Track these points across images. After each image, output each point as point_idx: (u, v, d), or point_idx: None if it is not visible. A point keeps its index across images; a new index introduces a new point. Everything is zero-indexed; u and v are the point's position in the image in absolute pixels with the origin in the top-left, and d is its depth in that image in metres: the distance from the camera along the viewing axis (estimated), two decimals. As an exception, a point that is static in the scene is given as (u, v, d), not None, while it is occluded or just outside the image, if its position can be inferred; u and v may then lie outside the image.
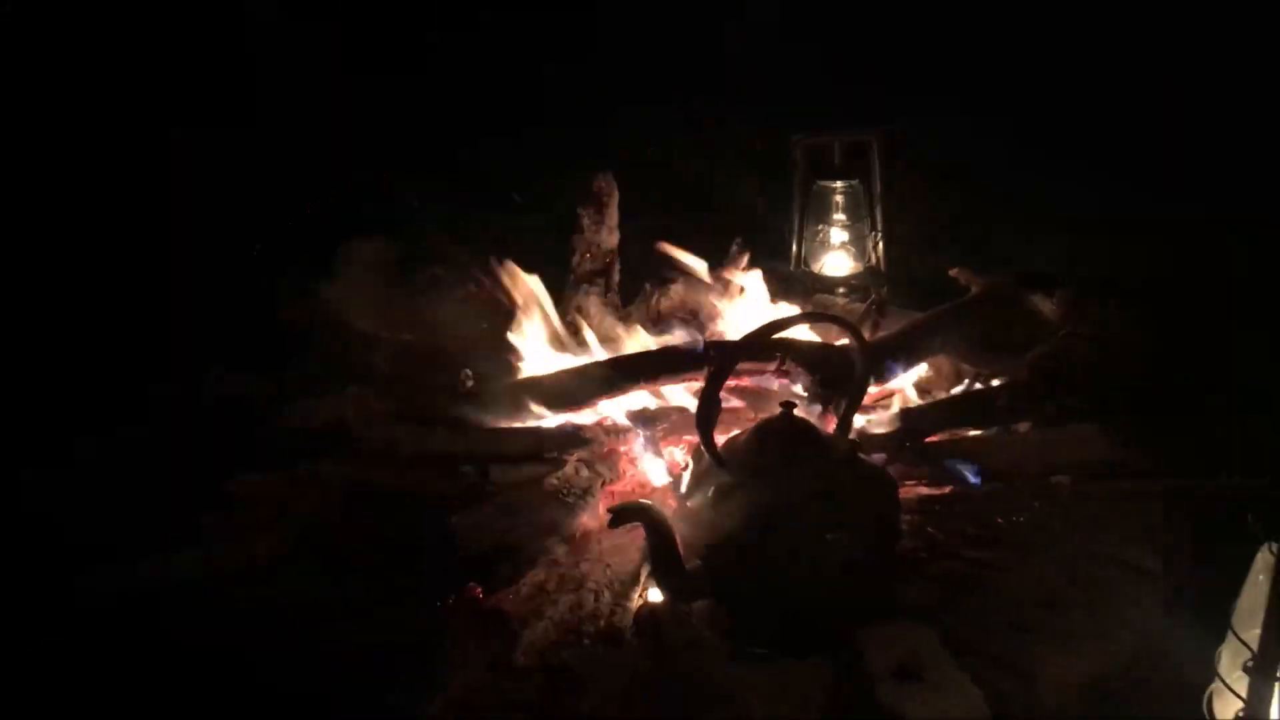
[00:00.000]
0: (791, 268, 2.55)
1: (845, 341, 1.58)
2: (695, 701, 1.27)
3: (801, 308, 2.33)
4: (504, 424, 1.76)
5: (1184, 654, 1.15)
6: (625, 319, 2.12)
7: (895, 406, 1.97)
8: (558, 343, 2.00)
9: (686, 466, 1.54)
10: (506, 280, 2.03)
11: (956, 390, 2.07)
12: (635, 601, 1.52)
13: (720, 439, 1.49)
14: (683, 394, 1.94)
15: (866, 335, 2.17)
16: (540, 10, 3.68)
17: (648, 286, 2.17)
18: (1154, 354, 1.86)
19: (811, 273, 2.55)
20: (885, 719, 1.24)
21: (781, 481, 1.39)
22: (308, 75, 3.35)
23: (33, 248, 2.60)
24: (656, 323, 2.10)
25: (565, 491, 1.62)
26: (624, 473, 1.74)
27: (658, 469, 1.77)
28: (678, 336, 2.03)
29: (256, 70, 3.39)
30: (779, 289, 2.37)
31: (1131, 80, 3.19)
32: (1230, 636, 1.02)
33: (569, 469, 1.66)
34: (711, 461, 1.45)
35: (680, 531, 1.41)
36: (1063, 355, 1.95)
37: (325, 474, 1.62)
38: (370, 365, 1.99)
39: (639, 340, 2.04)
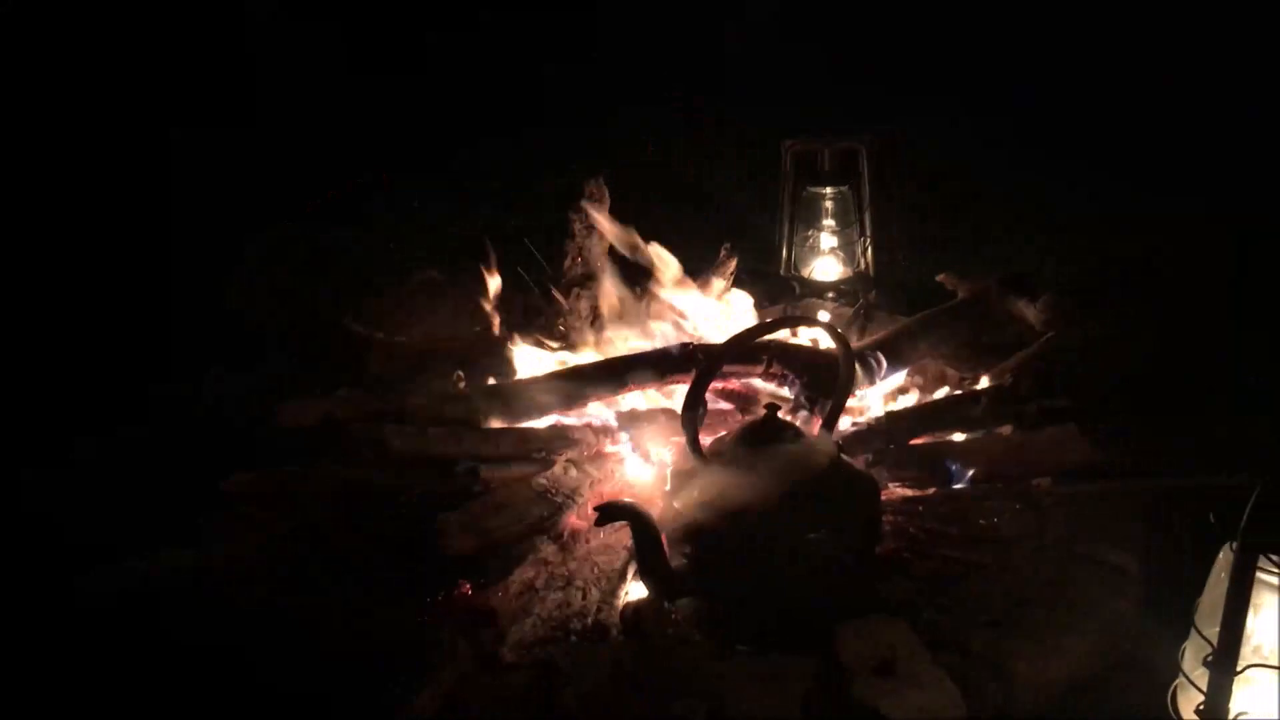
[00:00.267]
0: (781, 272, 2.58)
1: (831, 345, 1.61)
2: (678, 695, 1.29)
3: (789, 313, 2.36)
4: (494, 425, 1.79)
5: (1156, 651, 1.17)
6: (614, 322, 2.15)
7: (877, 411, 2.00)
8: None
9: (673, 467, 1.57)
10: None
11: (941, 394, 2.09)
12: (621, 599, 1.55)
13: (706, 440, 1.52)
14: (670, 396, 1.97)
15: (854, 339, 2.21)
16: (536, 11, 3.71)
17: (637, 290, 2.21)
18: (1134, 357, 1.89)
19: (801, 277, 2.58)
20: (862, 714, 1.27)
21: (765, 482, 1.42)
22: (306, 76, 3.39)
23: (31, 248, 2.63)
24: (645, 326, 2.13)
25: (554, 491, 1.65)
26: (611, 473, 1.77)
27: (644, 469, 1.80)
28: (666, 340, 2.06)
29: (255, 70, 3.42)
30: (766, 293, 2.40)
31: (1123, 81, 3.22)
32: (1193, 633, 1.05)
33: (557, 469, 1.69)
34: (697, 462, 1.48)
35: (666, 530, 1.44)
36: (1045, 359, 1.98)
37: (318, 473, 1.64)
38: (364, 366, 2.02)
39: (628, 343, 2.07)
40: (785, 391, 1.93)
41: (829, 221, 2.56)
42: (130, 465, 1.87)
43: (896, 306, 2.47)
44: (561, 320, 2.11)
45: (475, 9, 3.84)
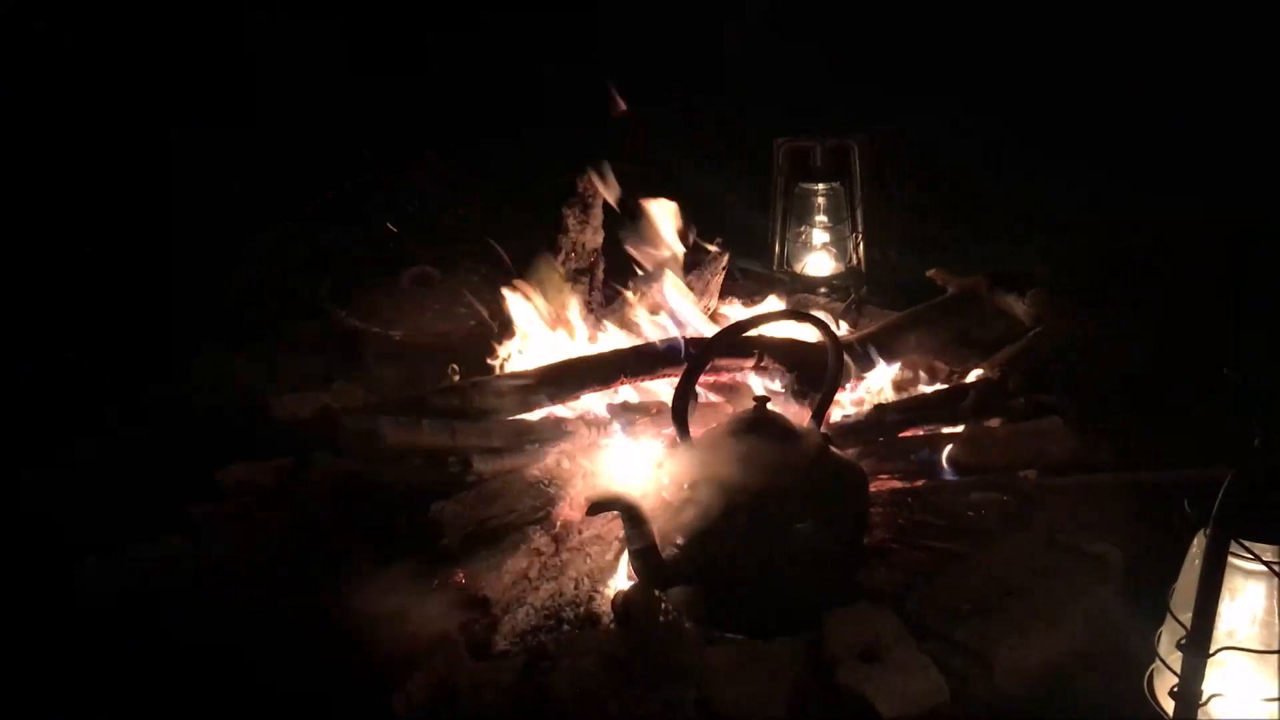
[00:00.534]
0: (774, 268, 2.60)
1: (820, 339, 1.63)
2: (667, 682, 1.32)
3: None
4: (488, 416, 1.81)
5: (1137, 639, 1.19)
6: (609, 316, 2.17)
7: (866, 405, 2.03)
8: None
9: (664, 459, 1.59)
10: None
11: (930, 388, 2.12)
12: (613, 588, 1.57)
13: (697, 432, 1.54)
14: (663, 389, 1.99)
15: (845, 334, 2.24)
16: (534, 10, 3.72)
17: (631, 284, 2.23)
18: (1121, 353, 1.92)
19: (793, 273, 2.60)
20: (847, 699, 1.30)
21: (754, 474, 1.44)
22: (305, 73, 3.39)
23: (30, 249, 2.64)
24: (639, 320, 2.15)
25: (546, 482, 1.67)
26: (604, 465, 1.79)
27: (636, 461, 1.82)
28: (659, 334, 2.08)
29: (254, 68, 3.42)
30: (758, 289, 2.42)
31: (1116, 80, 3.24)
32: (1168, 618, 1.07)
33: (550, 460, 1.71)
34: (687, 453, 1.50)
35: (657, 521, 1.46)
36: (1033, 354, 2.00)
37: (312, 464, 1.66)
38: (360, 359, 2.04)
39: (621, 337, 2.09)
40: (775, 384, 1.95)
41: (821, 218, 2.58)
42: (127, 459, 1.88)
43: (889, 303, 2.50)
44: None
45: (473, 8, 3.86)
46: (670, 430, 1.58)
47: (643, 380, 1.92)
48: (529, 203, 2.78)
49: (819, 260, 2.62)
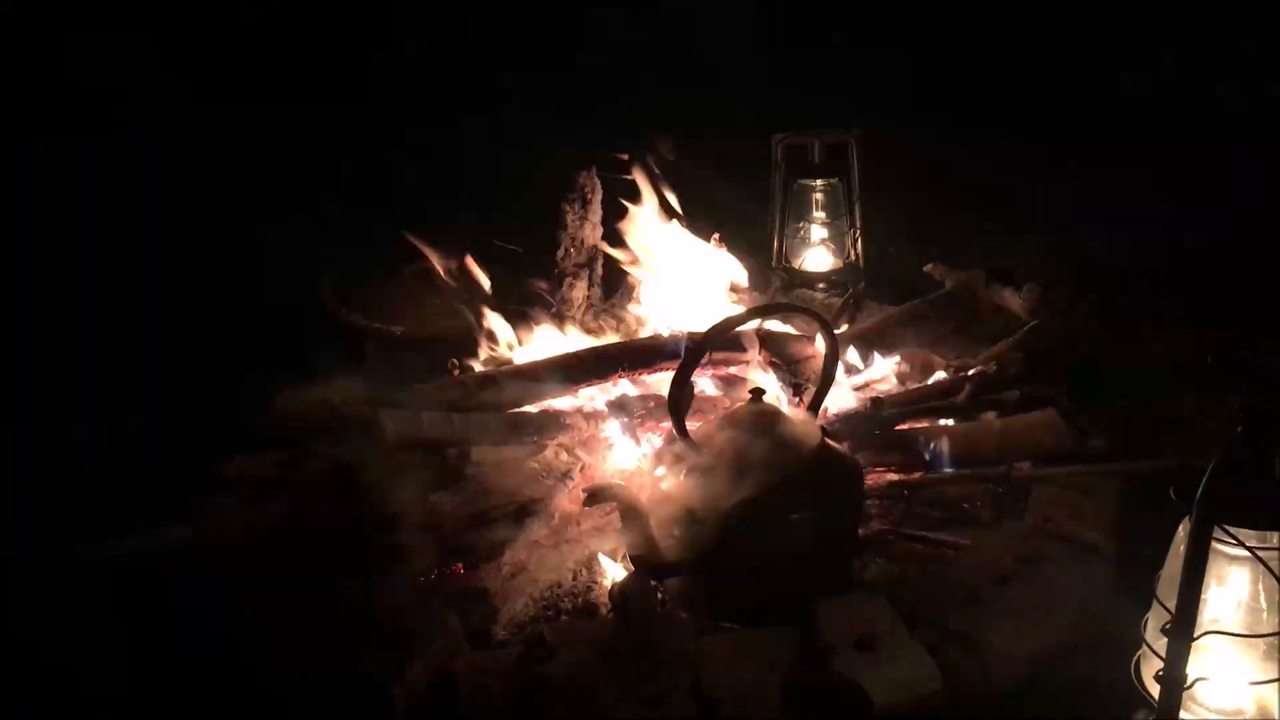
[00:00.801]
0: (772, 264, 2.62)
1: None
2: (663, 670, 1.33)
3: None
4: (487, 410, 1.82)
5: (1128, 626, 1.20)
6: (608, 311, 2.19)
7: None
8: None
9: (661, 451, 1.61)
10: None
11: (927, 381, 2.13)
12: (612, 579, 1.59)
13: (695, 425, 1.56)
14: (662, 382, 2.01)
15: (843, 328, 2.25)
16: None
17: (629, 279, 2.25)
18: (1112, 344, 1.94)
19: (792, 268, 2.62)
20: (842, 687, 1.31)
21: (750, 465, 1.46)
22: (306, 60, 3.42)
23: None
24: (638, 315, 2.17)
25: (545, 474, 1.69)
26: (602, 457, 1.81)
27: (634, 453, 1.84)
28: (658, 328, 2.10)
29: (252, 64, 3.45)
30: (756, 284, 2.44)
31: (1110, 79, 3.25)
32: (1154, 604, 1.09)
33: (549, 453, 1.73)
34: (684, 446, 1.52)
35: (653, 512, 1.48)
36: (1028, 347, 2.02)
37: (313, 457, 1.68)
38: (361, 354, 2.06)
39: (620, 331, 2.11)
40: (772, 377, 1.97)
41: (819, 213, 2.60)
42: (131, 451, 1.90)
43: (887, 298, 2.51)
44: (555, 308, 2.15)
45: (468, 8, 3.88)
46: (667, 423, 1.60)
47: (641, 374, 1.94)
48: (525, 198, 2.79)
49: (817, 255, 2.63)
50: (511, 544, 1.61)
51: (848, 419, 1.90)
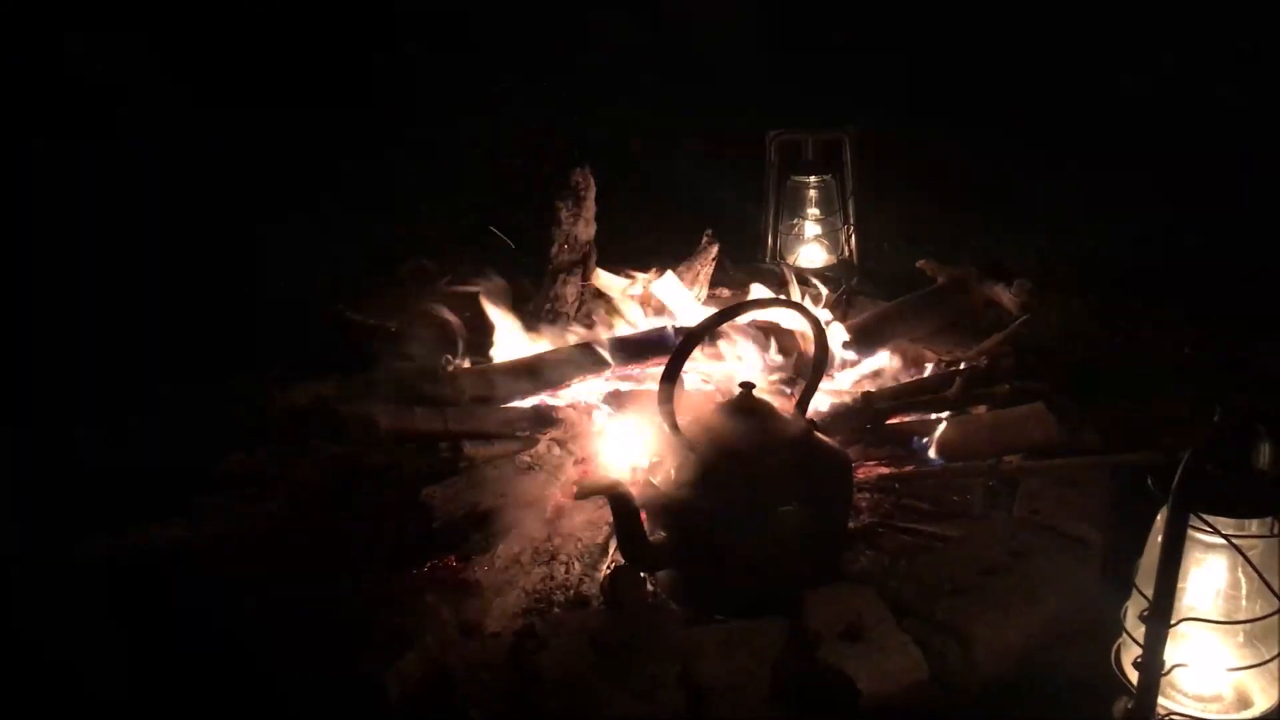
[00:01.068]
0: (766, 260, 2.63)
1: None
2: (652, 660, 1.35)
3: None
4: (480, 405, 1.84)
5: (1113, 616, 1.21)
6: (600, 306, 2.20)
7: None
8: None
9: (652, 444, 1.62)
10: None
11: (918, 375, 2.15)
12: (603, 572, 1.60)
13: (685, 418, 1.57)
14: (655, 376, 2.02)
15: (835, 323, 2.27)
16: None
17: (622, 275, 2.26)
18: (1106, 341, 1.95)
19: (786, 264, 2.63)
20: (828, 676, 1.32)
21: (740, 458, 1.47)
22: (306, 60, 3.44)
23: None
24: (630, 310, 2.19)
25: (538, 468, 1.70)
26: (594, 451, 1.82)
27: (626, 447, 1.85)
28: (650, 324, 2.11)
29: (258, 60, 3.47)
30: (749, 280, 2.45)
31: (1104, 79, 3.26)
32: (1134, 592, 1.10)
33: (541, 447, 1.74)
34: (674, 439, 1.53)
35: (644, 505, 1.49)
36: (1019, 341, 2.03)
37: (309, 451, 1.70)
38: (358, 351, 2.08)
39: (612, 327, 2.12)
40: (763, 371, 1.98)
41: (813, 210, 2.61)
42: (132, 449, 1.92)
43: (880, 294, 2.52)
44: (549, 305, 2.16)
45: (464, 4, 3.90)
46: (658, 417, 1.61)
47: (632, 368, 1.95)
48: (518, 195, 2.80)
49: (811, 252, 2.64)
50: (504, 537, 1.62)
51: (839, 413, 1.91)
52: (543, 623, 1.44)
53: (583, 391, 1.96)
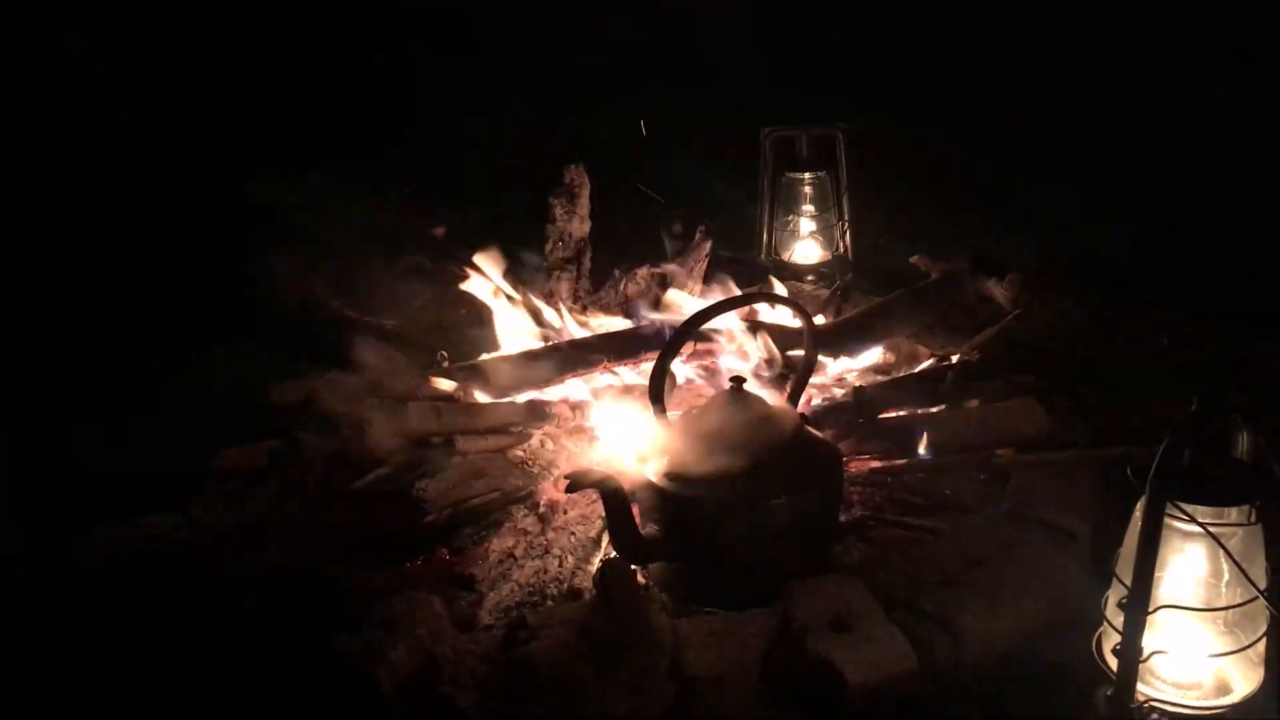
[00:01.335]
0: (761, 256, 2.64)
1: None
2: (640, 650, 1.36)
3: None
4: (473, 400, 1.85)
5: (1099, 607, 1.23)
6: (595, 303, 2.21)
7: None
8: None
9: (643, 439, 1.63)
10: None
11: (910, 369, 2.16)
12: (595, 565, 1.62)
13: (676, 412, 1.58)
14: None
15: (830, 318, 2.28)
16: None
17: (616, 273, 2.27)
18: (1100, 336, 1.96)
19: (781, 261, 2.64)
20: (816, 666, 1.33)
21: (731, 452, 1.48)
22: (306, 60, 3.46)
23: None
24: (625, 306, 2.20)
25: (530, 463, 1.71)
26: (587, 446, 1.83)
27: (618, 442, 1.86)
28: (643, 319, 2.12)
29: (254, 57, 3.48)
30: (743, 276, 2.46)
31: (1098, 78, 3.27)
32: (1114, 580, 1.11)
33: (534, 442, 1.76)
34: (666, 433, 1.54)
35: (636, 499, 1.51)
36: (1011, 336, 2.04)
37: (303, 446, 1.72)
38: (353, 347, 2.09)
39: (607, 322, 2.14)
40: (754, 365, 1.99)
41: (808, 207, 2.62)
42: (128, 444, 1.94)
43: (875, 290, 2.53)
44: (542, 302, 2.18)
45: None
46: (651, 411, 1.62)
47: (625, 364, 1.96)
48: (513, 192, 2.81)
49: (806, 248, 2.66)
50: (498, 532, 1.64)
51: (831, 407, 1.92)
52: (533, 614, 1.46)
53: (575, 386, 1.97)
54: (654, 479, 1.51)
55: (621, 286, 2.22)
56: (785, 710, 1.31)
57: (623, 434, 1.87)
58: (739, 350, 1.99)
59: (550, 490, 1.74)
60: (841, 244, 2.62)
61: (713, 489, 1.46)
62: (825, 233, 2.64)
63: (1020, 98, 3.34)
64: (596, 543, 1.67)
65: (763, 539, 1.48)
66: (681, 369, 2.03)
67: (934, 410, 1.95)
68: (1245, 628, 1.07)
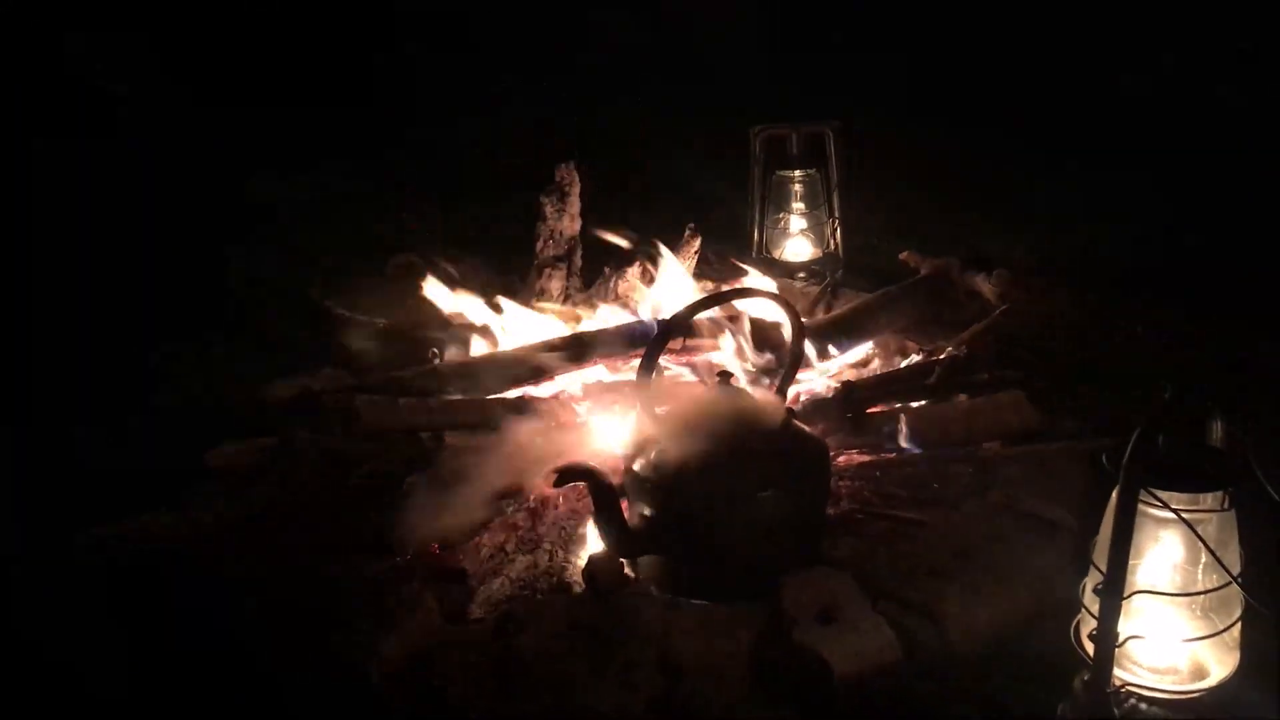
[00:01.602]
0: (753, 254, 2.65)
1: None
2: (628, 641, 1.37)
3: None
4: (464, 397, 1.87)
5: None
6: (586, 300, 2.23)
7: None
8: None
9: (632, 433, 1.64)
10: None
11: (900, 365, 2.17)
12: (585, 559, 1.63)
13: (665, 407, 1.59)
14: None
15: (820, 314, 2.29)
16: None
17: (607, 270, 2.29)
18: (1078, 328, 1.97)
19: (772, 258, 2.66)
20: (803, 658, 1.35)
21: (718, 445, 1.49)
22: (306, 60, 3.47)
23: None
24: (614, 303, 2.21)
25: (521, 459, 1.72)
26: (577, 441, 1.85)
27: (607, 436, 1.88)
28: (633, 315, 2.14)
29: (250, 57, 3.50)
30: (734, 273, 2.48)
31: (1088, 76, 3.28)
32: (1091, 568, 1.12)
33: (524, 437, 1.77)
34: (654, 427, 1.55)
35: (624, 493, 1.52)
36: (999, 330, 2.05)
37: (295, 442, 1.73)
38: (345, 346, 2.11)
39: (597, 319, 2.15)
40: (741, 360, 2.01)
41: (799, 204, 2.63)
42: (123, 443, 1.95)
43: (866, 287, 2.54)
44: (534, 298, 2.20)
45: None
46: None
47: (615, 360, 1.98)
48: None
49: (797, 245, 2.67)
50: (489, 526, 1.65)
51: (820, 402, 1.93)
52: (522, 607, 1.47)
53: (564, 382, 1.99)
54: (641, 473, 1.52)
55: (612, 284, 2.23)
56: (773, 700, 1.33)
57: (611, 428, 1.89)
58: (725, 345, 2.00)
59: (539, 485, 1.75)
60: (832, 241, 2.63)
61: (700, 482, 1.47)
62: (816, 230, 2.65)
63: (1020, 97, 3.35)
64: (586, 537, 1.68)
65: (750, 532, 1.49)
66: (669, 364, 2.04)
67: (922, 405, 1.96)
68: (1220, 613, 1.08)
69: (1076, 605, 1.20)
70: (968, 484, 1.75)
